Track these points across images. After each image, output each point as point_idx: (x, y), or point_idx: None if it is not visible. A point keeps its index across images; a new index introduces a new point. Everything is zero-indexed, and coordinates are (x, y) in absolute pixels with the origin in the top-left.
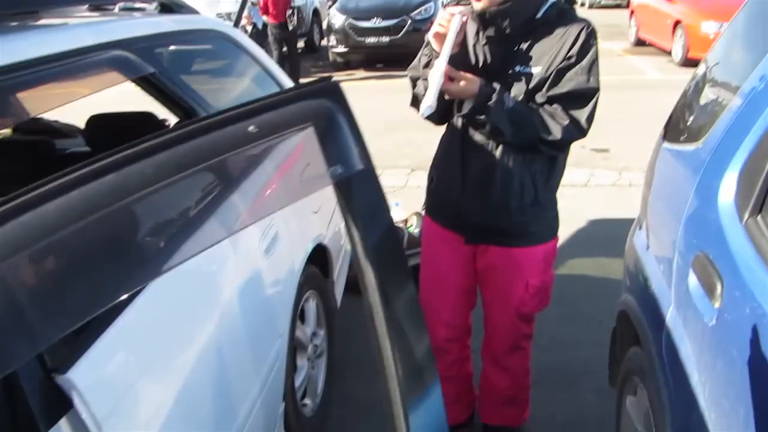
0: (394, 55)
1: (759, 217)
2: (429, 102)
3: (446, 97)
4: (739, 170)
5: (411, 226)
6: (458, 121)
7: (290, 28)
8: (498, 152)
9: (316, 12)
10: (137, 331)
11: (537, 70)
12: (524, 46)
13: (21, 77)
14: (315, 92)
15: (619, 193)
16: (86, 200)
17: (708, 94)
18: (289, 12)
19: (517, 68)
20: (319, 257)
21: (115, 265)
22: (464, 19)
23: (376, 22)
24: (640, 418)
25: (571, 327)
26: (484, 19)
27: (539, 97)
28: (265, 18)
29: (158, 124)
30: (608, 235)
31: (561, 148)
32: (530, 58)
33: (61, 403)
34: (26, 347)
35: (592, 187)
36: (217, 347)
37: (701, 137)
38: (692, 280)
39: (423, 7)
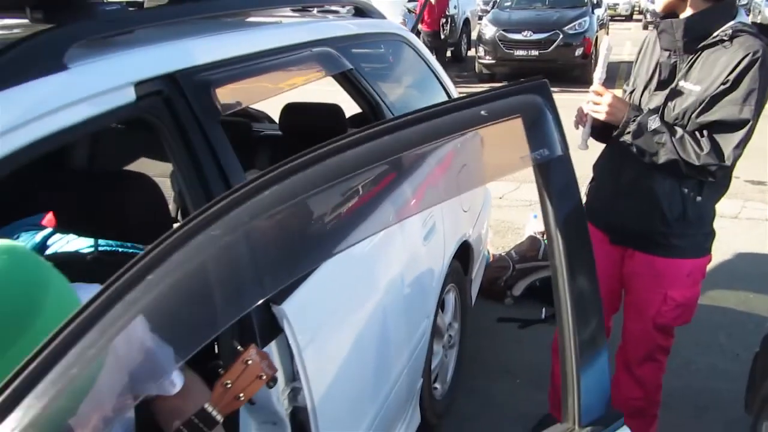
0: (540, 69)
1: None
2: (584, 137)
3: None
4: None
5: None
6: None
7: (442, 36)
8: (644, 161)
9: (466, 22)
10: (329, 285)
11: (698, 89)
12: (693, 61)
13: (259, 64)
14: (528, 89)
15: None
16: (333, 169)
17: None
18: (443, 21)
19: (681, 83)
20: (463, 254)
21: (328, 230)
22: (611, 45)
23: (527, 35)
24: None
25: (707, 356)
26: (658, 28)
27: (693, 117)
28: (419, 26)
29: (343, 117)
30: (755, 271)
31: (703, 173)
32: (696, 76)
33: (274, 328)
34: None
35: (742, 220)
36: (383, 311)
37: None
38: None
39: (577, 22)
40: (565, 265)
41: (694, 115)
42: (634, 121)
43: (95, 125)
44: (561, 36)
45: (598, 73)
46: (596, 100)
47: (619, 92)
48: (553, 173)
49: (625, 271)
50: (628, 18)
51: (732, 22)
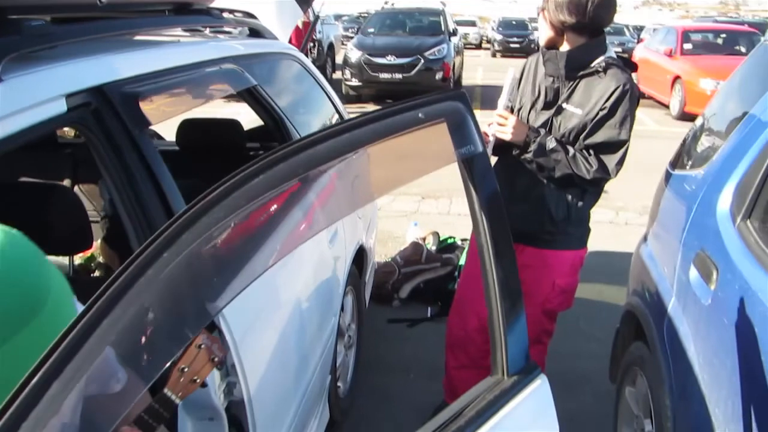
0: (404, 92)
1: (748, 221)
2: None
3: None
4: (735, 186)
5: (429, 243)
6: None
7: (309, 59)
8: (541, 175)
9: (330, 46)
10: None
11: (579, 112)
12: (574, 87)
13: (162, 82)
14: (451, 97)
15: (615, 230)
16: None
17: (709, 134)
18: (310, 45)
19: (565, 105)
20: (358, 258)
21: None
22: (516, 75)
23: (390, 60)
24: (638, 403)
25: (570, 341)
26: (544, 57)
27: (580, 140)
28: None
29: (242, 130)
30: (605, 266)
31: (592, 184)
32: (577, 100)
33: (210, 326)
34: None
35: (591, 224)
36: (300, 309)
37: (704, 164)
38: (693, 272)
39: (436, 48)
40: (490, 242)
41: (582, 138)
42: (534, 141)
43: (30, 135)
44: (422, 61)
45: (503, 100)
46: (501, 122)
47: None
48: (475, 166)
49: (518, 264)
50: (478, 46)
51: (604, 56)
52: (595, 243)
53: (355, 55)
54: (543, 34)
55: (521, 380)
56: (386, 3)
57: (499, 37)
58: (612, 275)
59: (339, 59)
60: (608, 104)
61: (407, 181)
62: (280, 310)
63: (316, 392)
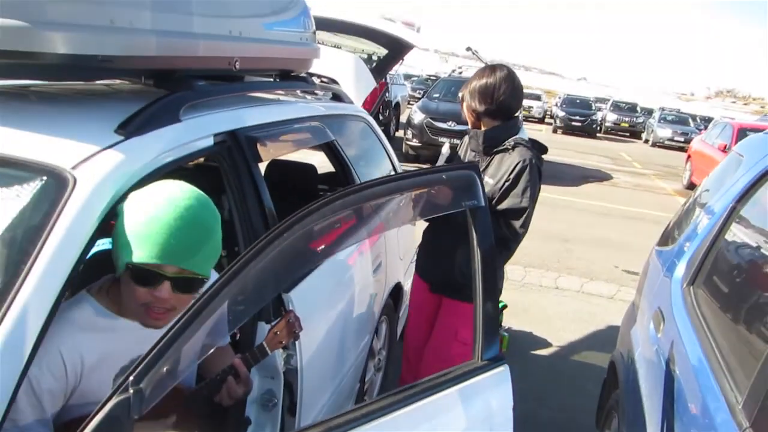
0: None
1: (691, 287)
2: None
3: None
4: (688, 258)
5: None
6: None
7: (381, 118)
8: (454, 233)
9: (396, 106)
10: (315, 285)
11: (491, 182)
12: (490, 161)
13: (271, 131)
14: (466, 167)
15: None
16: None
17: (684, 217)
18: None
19: (483, 175)
20: (395, 294)
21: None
22: (450, 144)
23: (450, 125)
24: None
25: (577, 400)
26: (469, 136)
27: (492, 206)
28: None
29: (316, 174)
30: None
31: (503, 245)
32: (491, 172)
33: (281, 308)
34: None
35: (617, 301)
36: (346, 314)
37: (674, 241)
38: (651, 325)
39: None
40: (481, 271)
41: (493, 203)
42: None
43: (192, 158)
44: None
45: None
46: None
47: None
48: (477, 215)
49: (439, 313)
50: (540, 120)
51: (516, 136)
52: (617, 319)
53: (418, 118)
54: (467, 117)
55: (490, 364)
56: (455, 70)
57: (561, 113)
58: None
59: (403, 118)
60: (512, 176)
61: (427, 216)
62: (330, 312)
63: (347, 389)
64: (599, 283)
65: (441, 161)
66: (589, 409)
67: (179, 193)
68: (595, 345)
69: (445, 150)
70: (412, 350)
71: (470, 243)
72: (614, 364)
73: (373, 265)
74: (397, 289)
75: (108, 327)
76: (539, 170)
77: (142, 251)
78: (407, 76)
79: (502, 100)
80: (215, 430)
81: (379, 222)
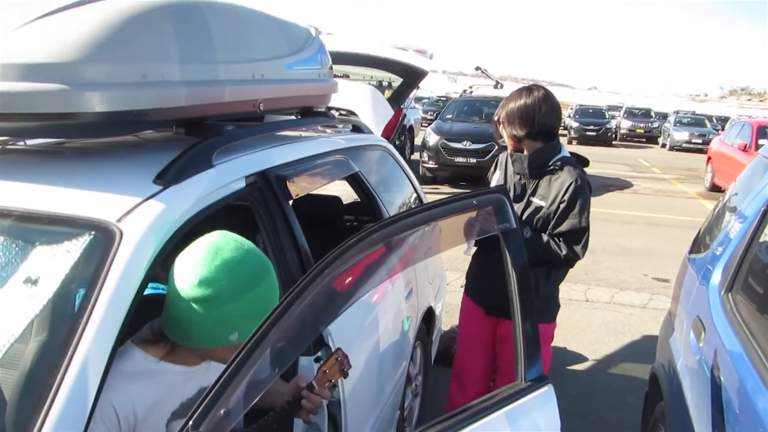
0: (478, 176)
1: (729, 294)
2: (469, 244)
3: None
4: (723, 265)
5: None
6: None
7: (397, 143)
8: None
9: (410, 129)
10: (351, 318)
11: (544, 204)
12: (537, 183)
13: (299, 167)
14: (496, 191)
15: None
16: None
17: (715, 224)
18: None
19: (532, 199)
20: (427, 318)
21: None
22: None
23: (466, 145)
24: None
25: (617, 412)
26: (512, 158)
27: (549, 230)
28: None
29: (341, 205)
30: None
31: (565, 265)
32: (541, 193)
33: (320, 342)
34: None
35: (649, 310)
36: (381, 342)
37: (707, 248)
38: (691, 335)
39: None
40: (518, 292)
41: (549, 228)
42: None
43: (223, 203)
44: (496, 147)
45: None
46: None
47: None
48: (510, 238)
49: (498, 336)
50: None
51: (559, 155)
52: (654, 329)
53: (433, 140)
54: (507, 142)
55: (534, 385)
56: (466, 90)
57: (575, 124)
58: None
59: (418, 141)
60: (566, 197)
61: (459, 244)
62: (368, 339)
63: (387, 417)
64: (630, 292)
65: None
66: (631, 422)
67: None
68: (632, 356)
69: (498, 177)
70: (467, 374)
71: (505, 265)
72: (656, 376)
73: (405, 291)
74: (429, 313)
75: (154, 372)
76: (589, 186)
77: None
78: (417, 99)
79: (542, 120)
80: None
81: (414, 252)
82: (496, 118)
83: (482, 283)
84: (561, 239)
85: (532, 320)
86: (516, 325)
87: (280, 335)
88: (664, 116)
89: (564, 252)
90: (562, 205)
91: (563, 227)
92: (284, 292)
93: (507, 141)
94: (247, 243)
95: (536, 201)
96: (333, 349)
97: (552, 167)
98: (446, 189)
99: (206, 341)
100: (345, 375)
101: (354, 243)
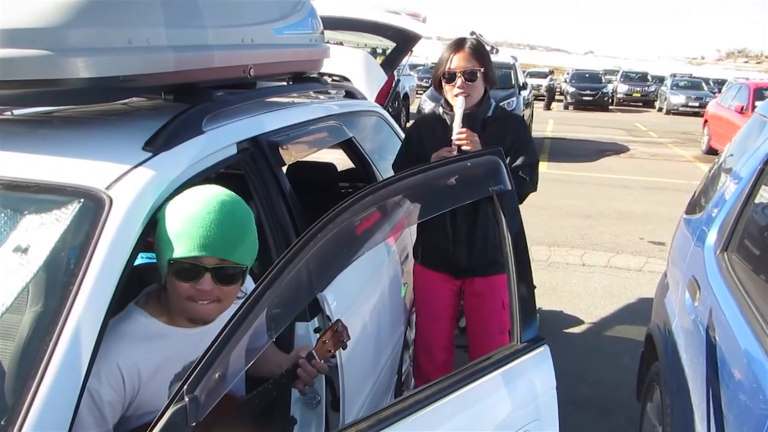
0: None
1: (725, 253)
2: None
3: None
4: (719, 225)
5: None
6: None
7: (390, 110)
8: (475, 212)
9: (405, 96)
10: (348, 283)
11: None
12: (485, 135)
13: (291, 133)
14: (490, 152)
15: None
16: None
17: (710, 185)
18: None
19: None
20: None
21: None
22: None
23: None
24: (655, 412)
25: (613, 374)
26: (453, 116)
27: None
28: None
29: (336, 172)
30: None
31: (519, 197)
32: (489, 143)
33: (316, 307)
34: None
35: (645, 273)
36: (379, 307)
37: (702, 209)
38: (686, 294)
39: (506, 102)
40: (513, 254)
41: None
42: None
43: (215, 170)
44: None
45: (458, 122)
46: (460, 137)
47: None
48: (505, 199)
49: (467, 295)
50: (550, 98)
51: (492, 105)
52: (650, 291)
53: (428, 107)
54: (471, 94)
55: (530, 345)
56: None
57: (571, 89)
58: None
59: (413, 108)
60: (520, 134)
61: (454, 205)
62: (364, 306)
63: (385, 382)
64: (626, 256)
65: (459, 115)
66: (627, 383)
67: (212, 192)
68: (628, 319)
69: (461, 104)
70: (434, 342)
71: (500, 227)
72: (651, 336)
73: (401, 256)
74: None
75: (160, 335)
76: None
77: (181, 247)
78: (412, 66)
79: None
80: (262, 430)
81: (409, 216)
82: (467, 70)
83: (447, 249)
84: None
85: (527, 282)
86: (512, 286)
87: (274, 299)
88: (660, 80)
89: (523, 184)
90: (517, 145)
91: (520, 162)
92: (277, 258)
93: (472, 93)
94: (233, 193)
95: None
96: (331, 318)
97: (493, 117)
98: None
99: None
100: (344, 346)
101: (347, 206)
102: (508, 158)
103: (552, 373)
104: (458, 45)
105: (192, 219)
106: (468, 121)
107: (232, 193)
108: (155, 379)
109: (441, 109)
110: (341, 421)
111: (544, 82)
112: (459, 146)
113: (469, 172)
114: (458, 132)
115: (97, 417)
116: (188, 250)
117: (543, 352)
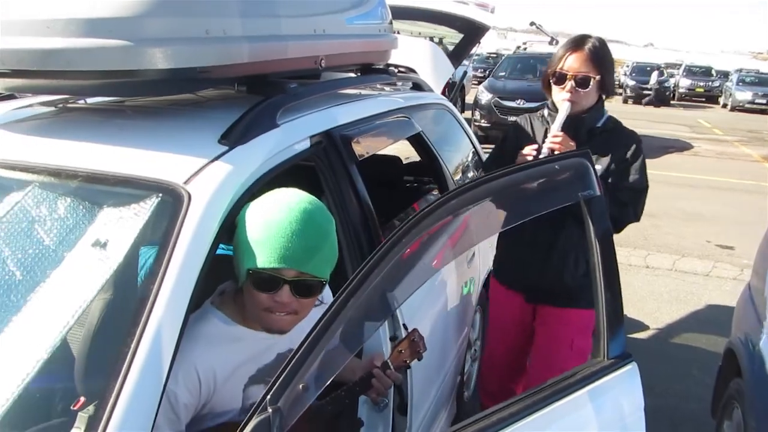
0: None
1: None
2: None
3: None
4: None
5: None
6: None
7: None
8: (559, 231)
9: (461, 87)
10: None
11: (598, 167)
12: (587, 147)
13: (363, 127)
14: (577, 155)
15: (739, 287)
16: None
17: None
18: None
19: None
20: (487, 282)
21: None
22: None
23: (519, 103)
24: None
25: (681, 384)
26: (553, 120)
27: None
28: None
29: (401, 164)
30: (722, 320)
31: (616, 225)
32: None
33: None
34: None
35: (713, 278)
36: (446, 310)
37: None
38: None
39: None
40: (601, 262)
41: (610, 186)
42: None
43: (289, 163)
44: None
45: (557, 125)
46: (558, 140)
47: None
48: (593, 205)
49: (536, 323)
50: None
51: (605, 116)
52: (719, 298)
53: (485, 98)
54: (580, 100)
55: (617, 362)
56: (520, 47)
57: (631, 83)
58: (727, 328)
59: (468, 98)
60: (629, 155)
61: (540, 212)
62: (432, 308)
63: (449, 384)
64: (692, 259)
65: (561, 118)
66: (697, 395)
67: (294, 198)
68: (696, 326)
69: (566, 108)
70: (504, 369)
71: (587, 235)
72: (732, 351)
73: (467, 256)
74: (489, 276)
75: (236, 337)
76: None
77: (261, 257)
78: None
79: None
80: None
81: (491, 222)
82: (580, 74)
83: (522, 268)
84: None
85: (614, 292)
86: (599, 298)
87: (358, 307)
88: (725, 75)
89: (625, 207)
90: (624, 165)
91: (625, 184)
92: (348, 255)
93: (581, 101)
94: (315, 199)
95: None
96: (403, 325)
97: (602, 128)
98: None
99: None
100: (419, 357)
101: (430, 211)
102: (611, 179)
103: (640, 393)
104: (576, 44)
105: (273, 228)
106: (572, 126)
107: (314, 199)
108: (230, 382)
109: (546, 111)
110: (408, 424)
111: None
112: (550, 150)
113: (556, 176)
114: (554, 135)
115: (172, 419)
116: (268, 261)
117: (631, 369)
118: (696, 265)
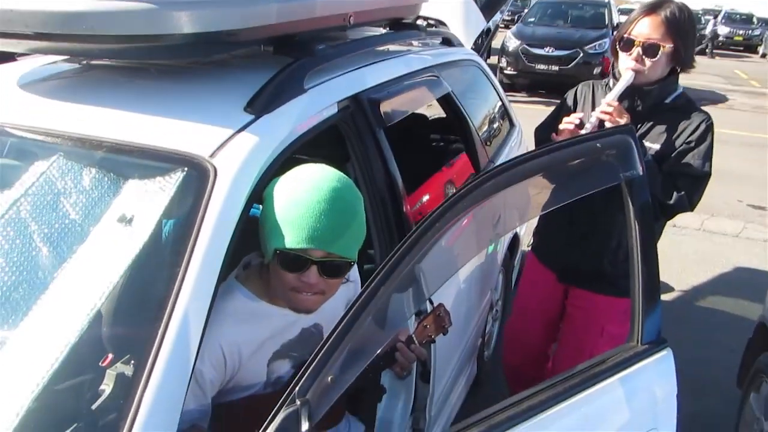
0: (559, 84)
1: None
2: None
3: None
4: None
5: None
6: None
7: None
8: (603, 211)
9: (488, 31)
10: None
11: (655, 147)
12: (648, 124)
13: (392, 88)
14: (620, 131)
15: None
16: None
17: None
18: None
19: (645, 143)
20: (511, 244)
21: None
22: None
23: (548, 51)
24: (761, 405)
25: (705, 350)
26: (625, 92)
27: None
28: None
29: (428, 123)
30: (751, 283)
31: (666, 213)
32: (654, 136)
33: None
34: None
35: (742, 239)
36: (472, 274)
37: None
38: None
39: (597, 42)
40: (639, 246)
41: (663, 167)
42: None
43: (317, 130)
44: (582, 54)
45: (615, 93)
46: (609, 110)
47: None
48: (634, 186)
49: (567, 305)
50: None
51: (678, 90)
52: (745, 259)
53: (513, 44)
54: (649, 69)
55: (651, 348)
56: None
57: None
58: (756, 292)
59: (495, 43)
60: (694, 137)
61: (581, 195)
62: (458, 275)
63: (471, 348)
64: (722, 219)
65: (621, 87)
66: (723, 363)
67: (323, 176)
68: (723, 289)
69: (628, 77)
70: (519, 337)
71: (627, 216)
72: (765, 326)
73: (494, 218)
74: (514, 239)
75: (261, 314)
76: None
77: (288, 237)
78: None
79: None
80: (352, 399)
81: (526, 206)
82: (649, 42)
83: (560, 246)
84: (678, 181)
85: (651, 276)
86: (635, 281)
87: (388, 296)
88: (766, 22)
89: (680, 193)
90: (686, 148)
91: (684, 166)
92: (374, 226)
93: (648, 72)
94: (344, 176)
95: (650, 145)
96: (428, 299)
97: (671, 105)
98: (523, 97)
99: None
100: (445, 332)
101: (466, 192)
102: (669, 162)
103: (674, 379)
104: (652, 8)
105: (301, 207)
106: (632, 98)
107: (343, 176)
108: (254, 357)
109: (612, 80)
110: (430, 391)
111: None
112: (599, 121)
113: (598, 155)
114: (607, 103)
115: (198, 395)
116: (296, 241)
117: (666, 355)
118: (725, 226)
